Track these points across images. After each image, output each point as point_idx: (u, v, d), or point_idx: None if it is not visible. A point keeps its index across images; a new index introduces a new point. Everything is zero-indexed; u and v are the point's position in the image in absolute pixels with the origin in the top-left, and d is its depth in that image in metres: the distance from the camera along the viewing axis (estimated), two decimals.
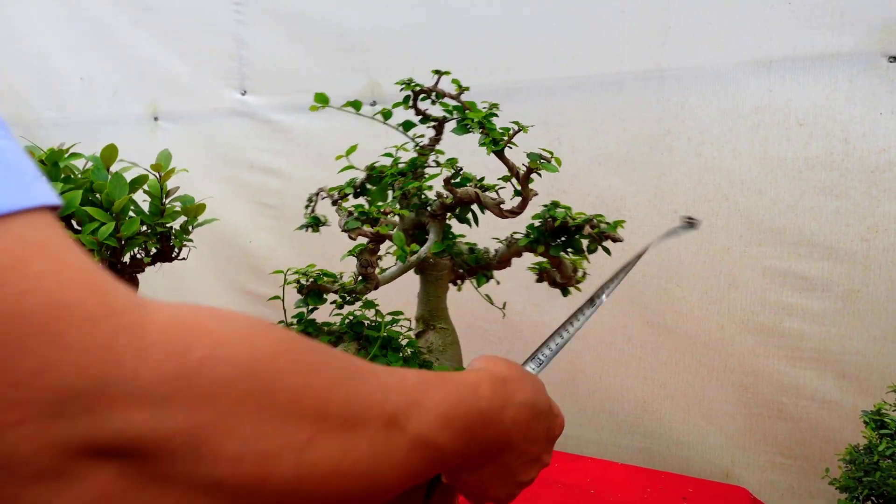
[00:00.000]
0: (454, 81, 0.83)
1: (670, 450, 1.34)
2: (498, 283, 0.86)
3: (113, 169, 1.24)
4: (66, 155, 1.19)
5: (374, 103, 1.55)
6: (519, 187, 0.73)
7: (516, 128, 0.71)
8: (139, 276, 1.29)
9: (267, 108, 1.68)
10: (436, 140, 0.80)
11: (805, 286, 1.18)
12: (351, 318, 0.87)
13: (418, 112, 0.90)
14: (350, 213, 0.82)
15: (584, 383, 1.39)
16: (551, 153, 0.73)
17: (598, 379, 1.38)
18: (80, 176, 1.23)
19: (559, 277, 0.76)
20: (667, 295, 1.30)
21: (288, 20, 1.64)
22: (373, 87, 1.55)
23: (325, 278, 0.87)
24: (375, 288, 0.85)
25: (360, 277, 0.85)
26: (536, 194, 0.77)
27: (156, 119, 1.84)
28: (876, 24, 1.08)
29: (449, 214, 0.80)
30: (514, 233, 0.77)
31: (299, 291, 0.86)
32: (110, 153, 1.21)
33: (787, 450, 1.24)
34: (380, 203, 0.79)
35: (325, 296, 0.88)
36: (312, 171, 1.63)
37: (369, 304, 0.89)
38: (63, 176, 1.18)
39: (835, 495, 1.25)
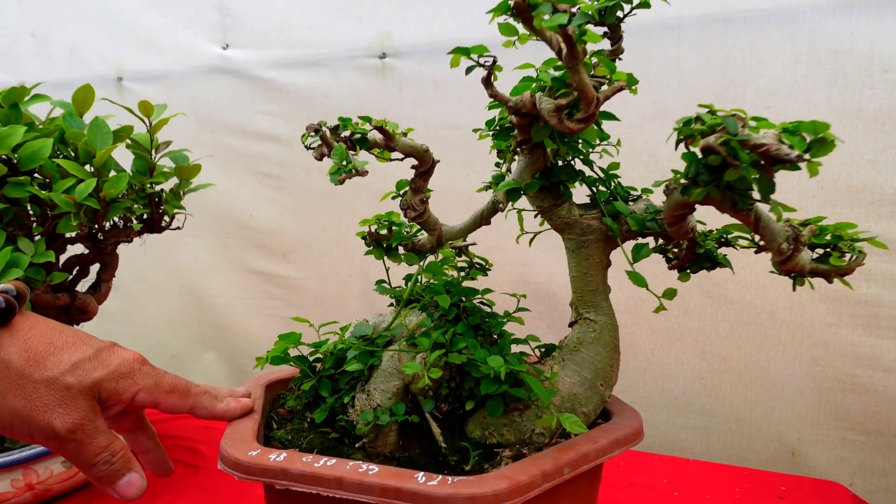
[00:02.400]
0: None
1: (730, 426, 1.18)
2: (671, 259, 0.64)
3: (87, 118, 0.97)
4: (28, 96, 0.91)
5: (383, 56, 1.31)
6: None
7: None
8: (124, 248, 1.02)
9: (254, 65, 1.43)
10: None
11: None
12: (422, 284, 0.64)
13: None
14: (318, 130, 0.55)
15: (635, 359, 1.22)
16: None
17: (651, 354, 1.21)
18: (43, 125, 0.95)
19: (772, 253, 0.49)
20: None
21: None
22: (382, 37, 1.31)
23: (384, 226, 0.64)
24: (439, 244, 0.62)
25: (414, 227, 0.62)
26: (607, 99, 0.51)
27: (120, 79, 1.54)
28: None
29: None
30: (674, 176, 0.55)
31: (365, 241, 0.63)
32: (85, 96, 0.94)
33: (859, 425, 1.10)
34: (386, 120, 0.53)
35: (394, 248, 0.65)
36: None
37: (444, 262, 0.67)
38: (25, 122, 0.90)
39: None
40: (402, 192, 0.58)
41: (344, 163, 0.46)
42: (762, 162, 0.41)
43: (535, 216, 0.66)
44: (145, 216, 1.02)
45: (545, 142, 0.56)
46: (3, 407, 0.48)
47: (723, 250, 0.66)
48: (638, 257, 0.59)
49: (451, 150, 1.23)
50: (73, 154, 0.93)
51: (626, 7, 0.57)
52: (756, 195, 0.47)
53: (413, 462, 0.59)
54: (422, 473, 0.48)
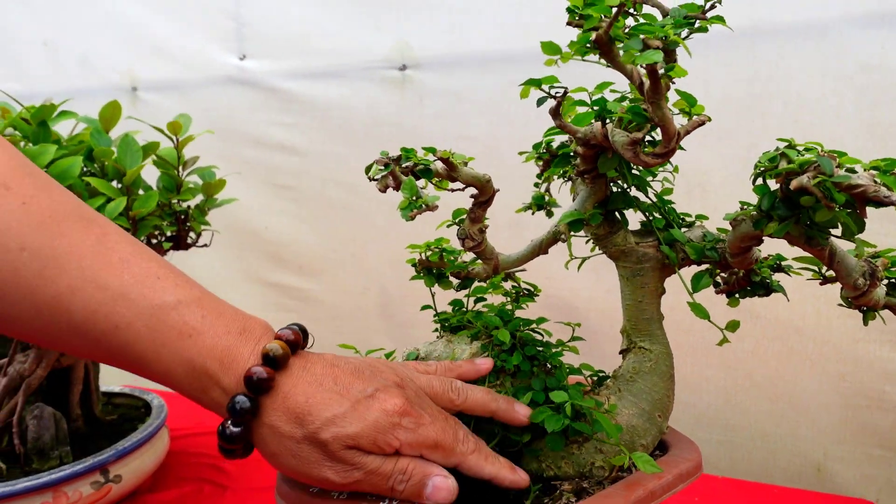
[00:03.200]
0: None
1: (755, 443, 1.16)
2: (719, 284, 0.62)
3: (114, 132, 0.95)
4: (56, 113, 0.89)
5: (403, 68, 1.30)
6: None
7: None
8: None
9: (271, 75, 1.40)
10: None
11: None
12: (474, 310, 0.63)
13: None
14: (388, 165, 0.53)
15: None
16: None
17: (675, 369, 1.18)
18: (66, 142, 0.93)
19: (845, 287, 0.49)
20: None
21: None
22: (402, 48, 1.29)
23: (435, 253, 0.62)
24: (495, 273, 0.61)
25: (475, 256, 0.61)
26: (688, 133, 0.51)
27: (135, 89, 1.51)
28: None
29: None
30: (743, 208, 0.54)
31: (415, 269, 0.62)
32: (112, 113, 0.92)
33: (888, 441, 1.09)
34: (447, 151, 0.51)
35: (446, 276, 0.63)
36: (332, 147, 1.37)
37: (480, 290, 0.65)
38: (53, 139, 0.88)
39: None
40: (458, 221, 0.57)
41: (414, 198, 0.45)
42: (854, 201, 0.40)
43: (587, 242, 0.64)
44: (171, 234, 1.00)
45: (608, 173, 0.54)
46: (281, 466, 0.50)
47: (776, 276, 0.65)
48: (698, 287, 0.58)
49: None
50: (100, 171, 0.91)
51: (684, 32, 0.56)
52: (836, 231, 0.46)
53: (467, 499, 0.57)
54: None
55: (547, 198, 0.77)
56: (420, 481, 0.49)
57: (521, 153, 0.68)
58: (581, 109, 0.54)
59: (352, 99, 1.35)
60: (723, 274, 0.67)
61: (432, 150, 0.49)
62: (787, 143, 0.46)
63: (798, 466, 1.15)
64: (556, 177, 0.66)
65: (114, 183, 0.90)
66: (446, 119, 1.28)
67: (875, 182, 0.39)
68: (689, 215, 0.63)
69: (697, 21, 0.53)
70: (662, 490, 0.53)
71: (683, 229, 0.62)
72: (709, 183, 1.12)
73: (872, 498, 1.10)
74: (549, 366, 0.61)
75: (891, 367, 1.07)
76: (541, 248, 0.57)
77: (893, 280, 0.52)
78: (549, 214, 0.77)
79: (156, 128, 0.94)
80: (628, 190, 0.59)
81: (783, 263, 0.64)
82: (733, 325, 0.57)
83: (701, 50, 1.12)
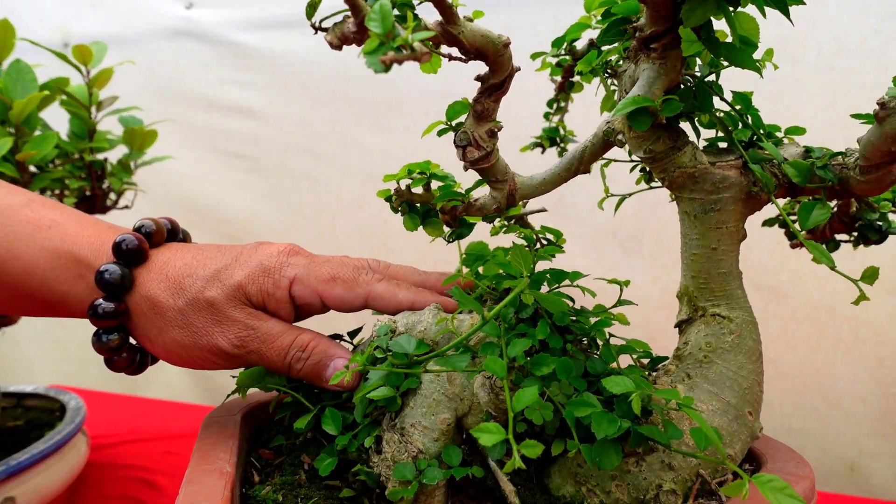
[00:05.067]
0: None
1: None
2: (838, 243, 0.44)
3: (7, 61, 0.73)
4: None
5: None
6: None
7: None
8: None
9: (223, 26, 1.18)
10: None
11: None
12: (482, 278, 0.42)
13: None
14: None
15: None
16: None
17: None
18: None
19: None
20: (782, 250, 0.93)
21: None
22: None
23: (420, 180, 0.41)
24: (512, 202, 0.40)
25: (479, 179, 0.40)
26: None
27: (66, 45, 1.27)
28: None
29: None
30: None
31: (391, 205, 0.41)
32: (4, 32, 0.69)
33: None
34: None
35: (435, 215, 0.42)
36: (295, 108, 1.15)
37: (478, 247, 0.45)
38: None
39: None
40: (455, 124, 0.36)
41: (389, 36, 0.24)
42: None
43: (635, 168, 0.44)
44: (86, 192, 0.77)
45: (684, 42, 0.34)
46: (168, 342, 0.44)
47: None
48: (809, 221, 0.38)
49: None
50: None
51: None
52: None
53: None
54: None
55: (563, 130, 0.57)
56: (320, 361, 0.43)
57: (534, 56, 0.48)
58: None
59: (318, 52, 1.12)
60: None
61: None
62: None
63: (829, 466, 0.97)
64: (589, 83, 0.46)
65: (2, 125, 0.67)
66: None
67: None
68: (779, 128, 0.44)
69: None
70: None
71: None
72: None
73: None
74: (585, 342, 0.41)
75: None
76: (581, 162, 0.36)
77: None
78: (563, 153, 0.57)
79: (58, 54, 0.71)
80: (705, 82, 0.39)
81: None
82: (871, 275, 0.37)
83: None
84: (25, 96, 0.66)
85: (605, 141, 0.35)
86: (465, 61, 0.32)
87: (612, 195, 0.48)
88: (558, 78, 0.52)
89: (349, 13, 0.27)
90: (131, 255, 0.43)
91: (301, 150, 1.17)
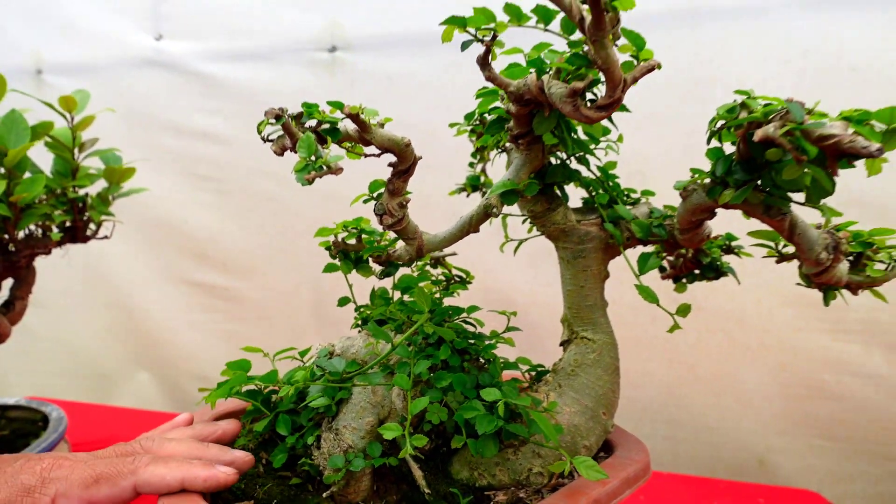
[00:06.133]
0: None
1: (698, 437, 1.13)
2: (665, 269, 0.57)
3: None
4: None
5: (333, 49, 1.21)
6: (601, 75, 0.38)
7: None
8: (47, 260, 0.88)
9: (191, 57, 1.29)
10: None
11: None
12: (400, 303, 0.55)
13: None
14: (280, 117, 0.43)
15: None
16: None
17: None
18: None
19: (805, 263, 0.43)
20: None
21: None
22: (332, 28, 1.21)
23: (352, 234, 0.54)
24: (419, 255, 0.53)
25: (392, 235, 0.53)
26: (635, 81, 0.42)
27: (40, 72, 1.37)
28: None
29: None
30: (694, 176, 0.48)
31: (330, 253, 0.54)
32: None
33: (827, 431, 1.06)
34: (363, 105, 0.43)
35: (365, 261, 0.55)
36: (258, 134, 1.26)
37: (421, 277, 0.58)
38: None
39: (876, 480, 1.09)
40: (376, 195, 0.49)
41: (313, 158, 0.37)
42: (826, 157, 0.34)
43: (524, 222, 0.57)
44: (67, 224, 0.89)
45: (545, 137, 0.47)
46: None
47: (726, 258, 0.59)
48: (645, 268, 0.51)
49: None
50: None
51: None
52: (798, 198, 0.40)
53: None
54: None
55: (483, 178, 0.70)
56: None
57: (452, 125, 0.61)
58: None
59: (279, 83, 1.25)
60: (669, 257, 0.61)
61: (339, 106, 0.41)
62: (745, 95, 0.39)
63: (741, 460, 1.12)
64: (491, 153, 0.59)
65: None
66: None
67: (854, 133, 0.33)
68: (635, 191, 0.57)
69: None
70: (608, 497, 0.46)
71: (628, 206, 0.56)
72: (648, 169, 1.07)
73: (815, 489, 1.08)
74: (481, 360, 0.54)
75: (830, 356, 1.05)
76: (471, 226, 0.49)
77: (856, 255, 0.46)
78: (484, 194, 0.70)
79: (46, 103, 0.82)
80: (568, 161, 0.53)
81: (733, 244, 0.58)
82: (684, 310, 0.51)
83: (642, 33, 1.08)
84: (18, 145, 0.77)
85: (485, 212, 0.48)
86: (378, 156, 0.45)
87: (512, 240, 0.61)
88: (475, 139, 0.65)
89: (285, 131, 0.39)
90: None
91: (264, 173, 1.29)
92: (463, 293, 0.61)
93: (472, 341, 0.53)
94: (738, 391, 1.11)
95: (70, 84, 1.36)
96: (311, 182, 0.37)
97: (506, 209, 0.58)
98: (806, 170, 0.35)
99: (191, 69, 1.29)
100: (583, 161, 0.55)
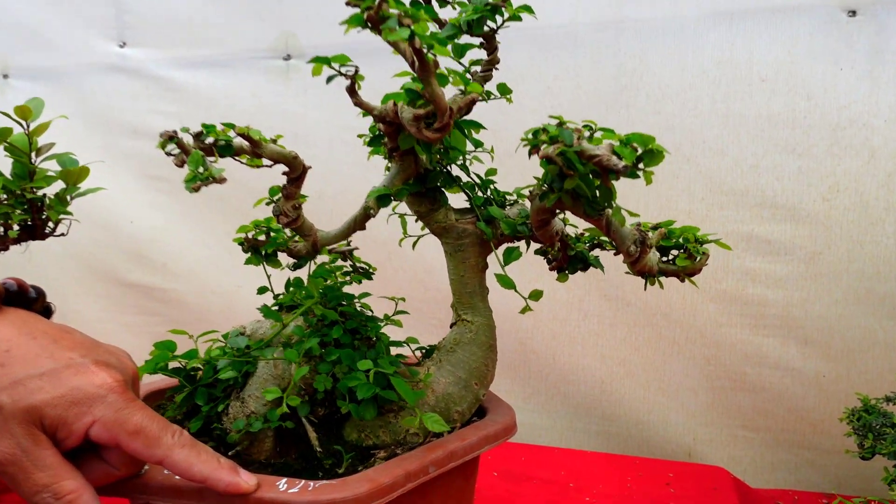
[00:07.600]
0: None
1: (630, 431, 1.24)
2: (552, 261, 0.68)
3: None
4: None
5: (287, 58, 1.32)
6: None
7: None
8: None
9: (153, 64, 1.41)
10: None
11: (768, 250, 1.12)
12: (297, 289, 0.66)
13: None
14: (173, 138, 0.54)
15: (536, 365, 1.26)
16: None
17: (551, 360, 1.25)
18: None
19: (623, 255, 0.54)
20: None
21: None
22: (287, 38, 1.32)
23: (261, 232, 0.66)
24: (315, 250, 0.64)
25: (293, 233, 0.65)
26: (461, 111, 0.52)
27: (6, 77, 1.49)
28: None
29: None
30: (536, 182, 0.58)
31: (243, 248, 0.65)
32: None
33: (749, 422, 1.18)
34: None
35: (272, 254, 0.66)
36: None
37: (322, 272, 0.69)
38: None
39: (794, 468, 1.20)
40: (274, 199, 0.60)
41: (200, 170, 0.48)
42: (599, 172, 0.45)
43: (416, 221, 0.69)
44: (28, 222, 0.99)
45: (416, 148, 0.59)
46: None
47: (595, 252, 0.70)
48: (509, 260, 0.63)
49: (353, 153, 1.24)
50: None
51: (499, 19, 0.61)
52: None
53: (288, 468, 0.60)
54: (284, 480, 0.50)
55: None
56: None
57: (360, 136, 0.72)
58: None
59: (235, 88, 1.36)
60: (552, 251, 0.73)
61: (231, 126, 0.52)
62: (557, 121, 0.51)
63: (671, 452, 1.22)
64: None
65: None
66: (330, 109, 1.31)
67: (612, 153, 0.44)
68: (511, 194, 0.69)
69: (503, 7, 0.59)
70: (464, 451, 0.58)
71: (506, 207, 0.67)
72: None
73: (740, 478, 1.19)
74: (372, 339, 0.65)
75: (750, 350, 1.16)
76: (356, 224, 0.60)
77: (674, 249, 0.58)
78: None
79: (3, 113, 0.93)
80: (448, 168, 0.64)
81: (601, 238, 0.69)
82: (536, 295, 0.62)
83: (571, 45, 1.20)
84: None
85: (365, 213, 0.59)
86: (271, 166, 0.56)
87: (410, 236, 0.73)
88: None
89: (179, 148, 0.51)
90: None
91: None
92: (404, 285, 0.72)
93: (365, 323, 0.65)
94: (666, 385, 1.22)
95: (36, 88, 1.48)
96: (196, 190, 0.48)
97: (400, 209, 0.69)
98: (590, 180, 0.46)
99: (152, 75, 1.40)
100: (463, 168, 0.66)
